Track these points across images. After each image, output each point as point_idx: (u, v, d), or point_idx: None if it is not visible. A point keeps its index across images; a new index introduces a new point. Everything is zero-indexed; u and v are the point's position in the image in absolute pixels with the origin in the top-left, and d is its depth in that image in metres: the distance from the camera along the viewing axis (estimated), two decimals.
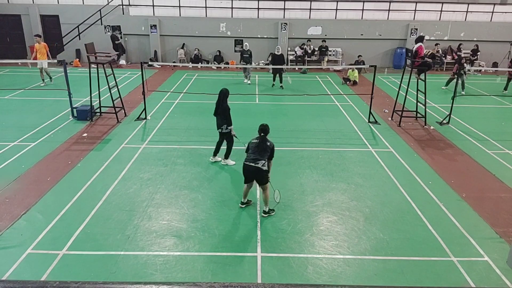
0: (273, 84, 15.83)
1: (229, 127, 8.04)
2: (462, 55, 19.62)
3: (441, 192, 7.30)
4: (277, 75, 15.46)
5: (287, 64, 20.21)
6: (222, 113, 7.93)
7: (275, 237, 5.86)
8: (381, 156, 8.94)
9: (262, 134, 6.40)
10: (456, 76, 14.47)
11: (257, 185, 6.61)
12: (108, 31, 20.03)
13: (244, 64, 15.98)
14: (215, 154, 8.45)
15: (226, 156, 8.36)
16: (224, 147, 8.39)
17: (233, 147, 8.31)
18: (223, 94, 8.00)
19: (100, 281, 1.51)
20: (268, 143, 6.33)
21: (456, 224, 6.28)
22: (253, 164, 6.21)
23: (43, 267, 5.09)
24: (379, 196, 7.12)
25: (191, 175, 7.89)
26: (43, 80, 15.07)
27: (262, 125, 6.49)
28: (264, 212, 6.44)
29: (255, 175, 6.29)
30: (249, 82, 16.27)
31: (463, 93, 14.76)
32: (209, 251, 5.51)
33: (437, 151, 9.38)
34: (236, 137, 8.21)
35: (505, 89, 15.27)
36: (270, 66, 16.69)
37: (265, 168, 6.24)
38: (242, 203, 6.71)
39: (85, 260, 5.26)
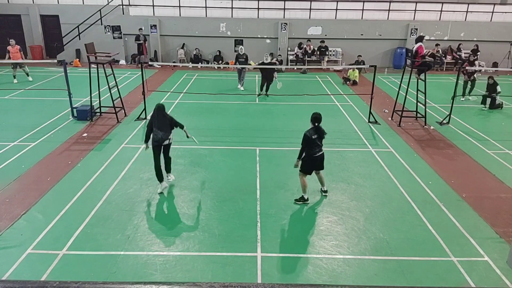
0: (259, 94, 14.28)
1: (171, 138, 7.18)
2: (463, 55, 19.66)
3: (441, 192, 7.30)
4: (266, 83, 14.11)
5: (287, 64, 20.21)
6: (169, 124, 7.12)
7: (275, 237, 5.86)
8: (381, 156, 8.94)
9: (316, 124, 6.58)
10: (470, 80, 14.42)
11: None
12: (108, 31, 20.04)
13: (241, 68, 15.18)
14: (161, 179, 7.17)
15: (169, 170, 7.39)
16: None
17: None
18: (162, 110, 7.15)
19: (100, 281, 1.51)
20: (323, 130, 6.65)
21: (456, 224, 6.28)
22: (321, 153, 6.71)
23: (43, 267, 5.09)
24: (379, 196, 7.12)
25: (191, 175, 7.89)
26: (14, 76, 15.41)
27: (315, 113, 6.63)
28: (325, 191, 7.11)
29: (320, 162, 6.80)
30: (242, 88, 15.18)
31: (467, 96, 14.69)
32: (209, 251, 5.51)
33: (437, 151, 9.38)
34: (188, 137, 7.44)
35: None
36: (255, 65, 15.41)
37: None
38: (307, 199, 6.83)
39: (85, 260, 5.26)
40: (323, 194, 7.10)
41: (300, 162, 6.71)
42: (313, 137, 6.49)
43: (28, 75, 15.61)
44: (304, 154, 6.64)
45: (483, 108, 13.16)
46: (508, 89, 15.33)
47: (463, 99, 14.53)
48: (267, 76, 14.05)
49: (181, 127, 7.36)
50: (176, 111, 12.09)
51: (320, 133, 6.58)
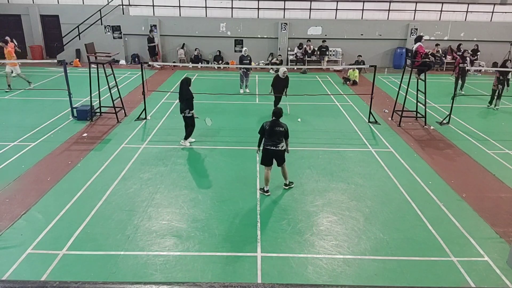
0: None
1: (191, 112, 8.93)
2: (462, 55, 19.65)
3: (441, 192, 7.30)
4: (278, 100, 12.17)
5: (287, 64, 20.20)
6: (186, 99, 8.85)
7: (275, 237, 5.86)
8: (381, 156, 8.94)
9: (273, 117, 6.86)
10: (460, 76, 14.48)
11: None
12: (108, 31, 20.03)
13: (244, 71, 14.50)
14: (185, 138, 9.27)
15: (186, 138, 9.23)
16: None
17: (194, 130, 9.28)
18: (186, 83, 8.99)
19: (100, 281, 1.51)
20: (281, 127, 6.77)
21: (456, 224, 6.28)
22: (273, 148, 6.81)
23: (43, 267, 5.09)
24: (379, 196, 7.12)
25: (191, 175, 7.89)
26: (9, 85, 13.93)
27: (275, 108, 7.12)
28: (285, 185, 7.25)
29: (275, 156, 6.91)
30: (247, 90, 14.69)
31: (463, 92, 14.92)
32: (209, 251, 5.51)
33: (437, 151, 9.38)
34: (197, 117, 9.19)
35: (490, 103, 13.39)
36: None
37: (283, 148, 6.88)
38: (266, 191, 7.03)
39: (85, 260, 5.26)
40: (284, 187, 7.25)
41: (259, 150, 7.05)
42: (266, 127, 6.79)
43: (29, 83, 14.34)
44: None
45: (489, 106, 13.19)
46: (509, 89, 15.30)
47: (463, 92, 14.95)
48: (279, 92, 11.88)
49: (190, 108, 8.90)
50: (177, 111, 12.07)
51: (274, 126, 6.73)
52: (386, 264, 5.33)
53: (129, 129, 10.45)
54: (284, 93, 11.97)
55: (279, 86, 11.82)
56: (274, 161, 7.01)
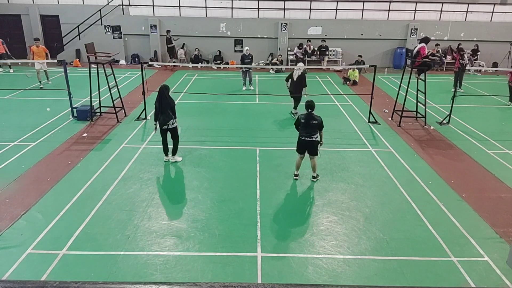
0: (295, 112, 11.56)
1: (175, 121, 8.01)
2: (465, 56, 19.66)
3: (441, 192, 7.30)
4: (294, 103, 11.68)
5: (287, 64, 20.21)
6: (170, 109, 7.89)
7: (275, 237, 5.86)
8: (381, 156, 8.93)
9: (309, 110, 7.17)
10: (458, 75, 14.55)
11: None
12: (108, 31, 20.03)
13: (246, 70, 14.76)
14: (166, 153, 8.29)
15: (174, 152, 8.30)
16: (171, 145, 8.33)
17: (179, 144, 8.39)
18: (165, 91, 7.98)
19: (100, 281, 1.51)
20: (315, 120, 7.12)
21: (456, 224, 6.28)
22: (308, 139, 7.22)
23: (43, 267, 5.09)
24: (379, 196, 7.12)
25: (191, 175, 7.89)
26: (40, 81, 14.89)
27: (307, 101, 7.30)
28: (313, 177, 7.57)
29: (308, 147, 7.29)
30: (251, 87, 15.00)
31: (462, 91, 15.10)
32: (209, 251, 5.51)
33: (437, 151, 9.38)
34: (179, 133, 8.25)
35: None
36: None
37: (317, 139, 7.23)
38: (296, 175, 7.62)
39: (85, 260, 5.26)
40: (312, 179, 7.60)
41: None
42: (302, 120, 7.19)
43: (27, 76, 15.21)
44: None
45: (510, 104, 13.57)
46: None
47: (462, 90, 15.08)
48: (296, 92, 11.28)
49: (175, 117, 8.01)
50: (177, 111, 12.07)
51: (309, 120, 7.11)
52: (386, 264, 5.33)
53: (129, 129, 10.45)
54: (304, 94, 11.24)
55: (294, 85, 11.24)
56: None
